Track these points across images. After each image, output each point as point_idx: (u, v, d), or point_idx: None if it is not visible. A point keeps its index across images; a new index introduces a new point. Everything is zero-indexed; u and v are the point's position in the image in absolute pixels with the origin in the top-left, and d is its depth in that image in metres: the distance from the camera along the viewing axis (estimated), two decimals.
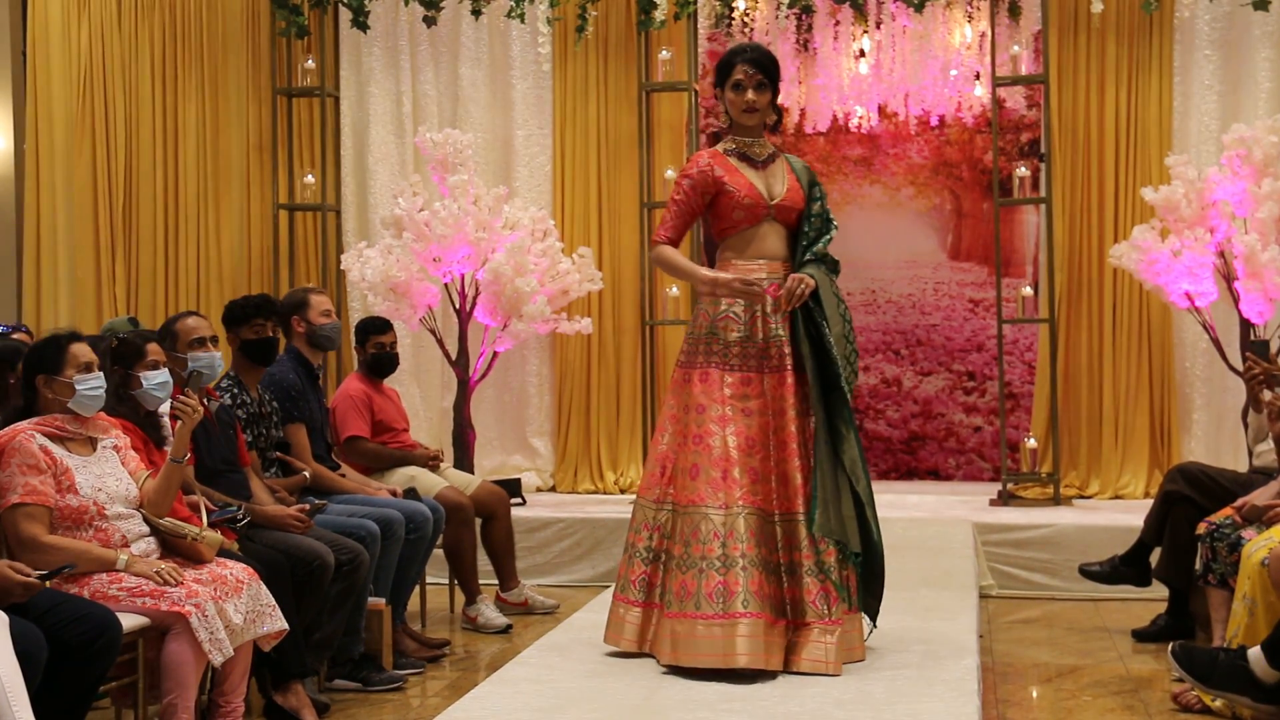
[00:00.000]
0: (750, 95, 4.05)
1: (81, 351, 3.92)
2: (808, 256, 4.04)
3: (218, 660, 3.77)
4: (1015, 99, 8.20)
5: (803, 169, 4.19)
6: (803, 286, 3.93)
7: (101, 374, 3.95)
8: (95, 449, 3.96)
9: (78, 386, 3.88)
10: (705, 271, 4.07)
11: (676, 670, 3.78)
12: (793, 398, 3.93)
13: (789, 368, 3.96)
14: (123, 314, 7.80)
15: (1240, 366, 6.15)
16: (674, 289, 7.42)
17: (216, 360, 4.58)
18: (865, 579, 3.98)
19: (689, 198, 4.07)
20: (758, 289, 3.96)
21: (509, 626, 5.73)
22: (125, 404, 4.16)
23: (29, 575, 3.46)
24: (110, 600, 3.70)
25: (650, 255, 4.30)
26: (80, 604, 3.57)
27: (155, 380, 4.17)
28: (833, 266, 4.10)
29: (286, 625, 4.04)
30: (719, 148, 4.15)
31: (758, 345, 3.96)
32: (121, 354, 4.17)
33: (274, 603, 4.01)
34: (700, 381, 3.95)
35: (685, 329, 4.20)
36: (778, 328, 3.97)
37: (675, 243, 4.13)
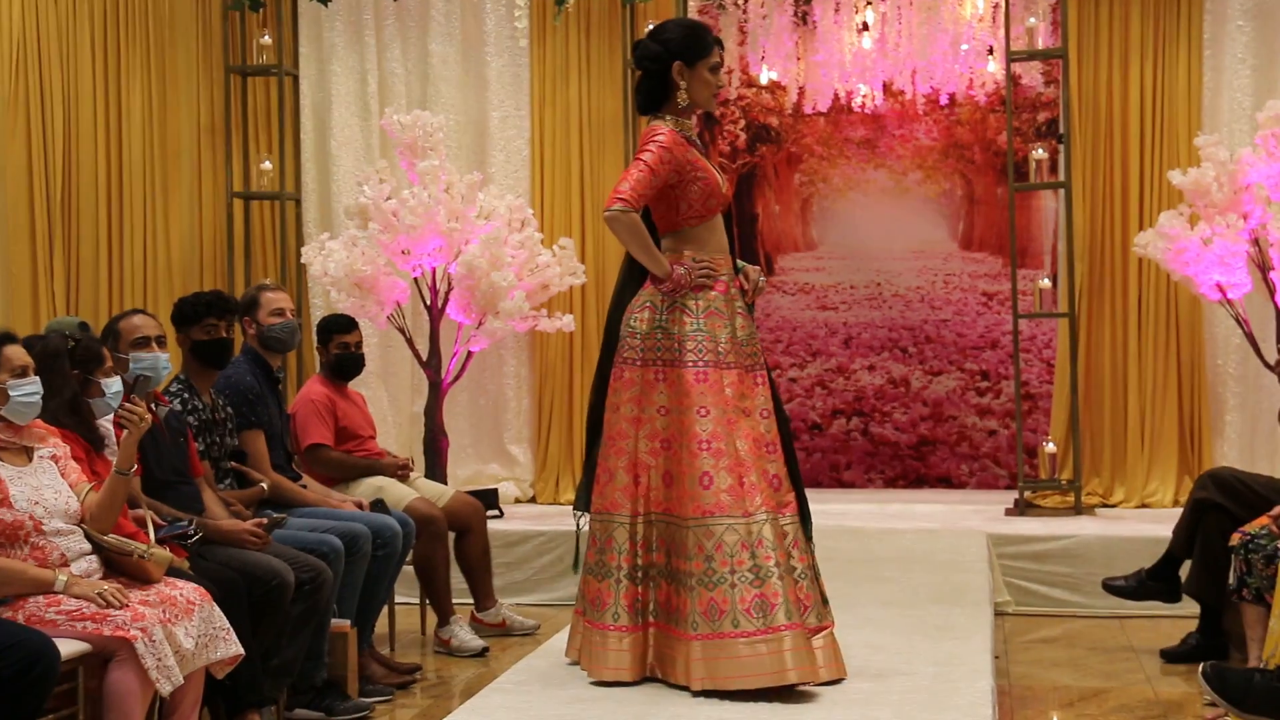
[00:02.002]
0: (721, 79, 4.18)
1: (16, 354, 3.91)
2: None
3: (166, 689, 3.75)
4: (1031, 75, 8.21)
5: None
6: (764, 279, 4.17)
7: (38, 379, 3.94)
8: (31, 459, 3.95)
9: (11, 393, 3.86)
10: (677, 268, 3.98)
11: (713, 694, 3.75)
12: (768, 394, 4.04)
13: (761, 365, 4.08)
14: (62, 312, 7.77)
15: None
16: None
17: (161, 362, 4.57)
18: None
19: (662, 168, 3.94)
20: (716, 272, 4.04)
21: (485, 649, 5.74)
22: (77, 413, 4.14)
23: None
24: (47, 625, 3.67)
25: (614, 216, 3.85)
26: (14, 629, 3.55)
27: (114, 389, 4.18)
28: None
29: (242, 650, 4.02)
30: (675, 129, 4.04)
31: (738, 342, 4.03)
32: (82, 358, 4.17)
33: (228, 626, 4.00)
34: (697, 381, 3.93)
35: (637, 323, 4.03)
36: (752, 324, 4.10)
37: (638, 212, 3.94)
